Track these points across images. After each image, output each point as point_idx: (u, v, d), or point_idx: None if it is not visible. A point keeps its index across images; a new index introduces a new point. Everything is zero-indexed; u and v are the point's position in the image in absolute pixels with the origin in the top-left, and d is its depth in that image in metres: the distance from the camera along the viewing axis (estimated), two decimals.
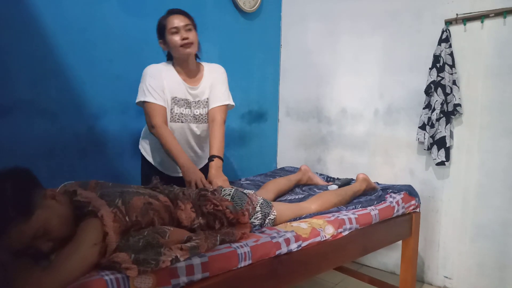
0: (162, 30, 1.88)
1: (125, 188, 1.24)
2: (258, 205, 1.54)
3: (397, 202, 1.91)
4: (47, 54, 1.96)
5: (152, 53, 2.37)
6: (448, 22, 2.28)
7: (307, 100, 3.08)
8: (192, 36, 1.85)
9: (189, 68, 1.93)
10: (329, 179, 2.41)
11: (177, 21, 1.84)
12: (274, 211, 1.56)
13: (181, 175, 1.82)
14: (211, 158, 1.86)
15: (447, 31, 2.26)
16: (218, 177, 1.77)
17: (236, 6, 2.82)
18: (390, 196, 1.96)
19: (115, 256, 0.99)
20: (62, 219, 1.06)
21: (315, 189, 2.11)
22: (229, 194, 1.53)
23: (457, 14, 2.24)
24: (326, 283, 2.48)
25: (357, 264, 2.81)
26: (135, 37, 2.29)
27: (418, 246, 2.12)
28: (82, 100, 2.11)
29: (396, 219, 1.92)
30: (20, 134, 1.89)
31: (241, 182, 2.27)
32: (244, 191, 1.62)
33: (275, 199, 1.93)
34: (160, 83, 1.86)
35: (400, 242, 2.07)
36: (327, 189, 2.04)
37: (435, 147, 2.30)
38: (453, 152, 2.34)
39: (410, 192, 2.04)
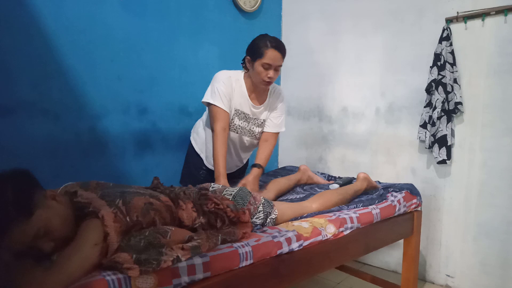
0: (256, 54, 1.88)
1: (125, 189, 1.24)
2: (260, 205, 1.54)
3: (398, 201, 1.91)
4: (49, 55, 1.97)
5: (153, 54, 2.38)
6: (449, 20, 2.27)
7: (308, 99, 3.08)
8: (276, 76, 1.92)
9: (256, 91, 2.02)
10: (330, 178, 2.41)
11: (275, 59, 1.87)
12: (276, 211, 1.57)
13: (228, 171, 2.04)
14: (255, 165, 2.00)
15: (448, 29, 2.26)
16: (252, 184, 1.90)
17: (237, 5, 2.82)
18: (392, 195, 1.96)
19: (116, 256, 0.99)
20: (63, 219, 1.06)
21: (316, 188, 2.12)
22: (231, 194, 1.54)
23: (457, 12, 2.24)
24: (328, 282, 2.48)
25: (359, 263, 2.81)
26: (136, 37, 2.30)
27: (420, 245, 2.12)
28: (84, 100, 2.11)
29: (398, 217, 1.92)
30: (23, 134, 1.90)
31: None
32: (249, 191, 1.62)
33: (275, 199, 1.94)
34: (229, 92, 1.95)
35: (402, 240, 2.07)
36: (328, 188, 2.04)
37: (436, 145, 2.30)
38: (455, 151, 2.33)
39: (411, 190, 2.04)
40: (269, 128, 2.10)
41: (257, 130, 2.11)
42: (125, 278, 0.97)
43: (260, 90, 2.03)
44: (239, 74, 2.03)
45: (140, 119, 2.36)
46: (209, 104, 1.96)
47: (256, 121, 2.09)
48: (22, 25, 1.87)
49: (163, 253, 1.04)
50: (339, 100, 2.90)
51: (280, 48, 1.89)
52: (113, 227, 1.04)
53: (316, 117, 3.04)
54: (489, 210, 2.23)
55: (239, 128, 2.05)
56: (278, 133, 2.13)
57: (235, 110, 2.01)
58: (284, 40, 3.21)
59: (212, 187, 1.60)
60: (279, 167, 3.07)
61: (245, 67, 2.00)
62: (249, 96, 2.02)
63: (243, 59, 2.00)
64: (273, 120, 2.10)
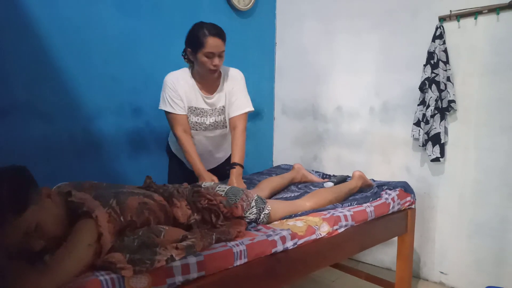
0: (196, 45, 1.85)
1: (119, 189, 1.24)
2: (253, 201, 1.54)
3: (392, 199, 1.92)
4: (43, 55, 1.96)
5: (147, 54, 2.38)
6: (442, 19, 2.28)
7: (303, 98, 3.08)
8: (221, 62, 1.90)
9: (205, 81, 2.00)
10: (325, 176, 2.42)
11: (216, 47, 1.85)
12: (269, 206, 1.57)
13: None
14: (232, 166, 1.96)
15: (441, 28, 2.27)
16: (237, 185, 1.87)
17: (230, 4, 2.82)
18: (386, 193, 1.97)
19: (110, 256, 0.99)
20: (55, 218, 1.07)
21: (311, 187, 2.12)
22: (223, 190, 1.54)
23: (450, 10, 2.25)
24: (323, 280, 2.49)
25: (354, 261, 2.82)
26: (130, 38, 2.29)
27: (414, 242, 2.13)
28: (78, 101, 2.10)
29: (392, 215, 1.93)
30: (16, 136, 1.89)
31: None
32: (241, 188, 1.63)
33: (269, 197, 1.94)
34: (178, 93, 1.95)
35: (396, 238, 2.08)
36: (322, 187, 2.05)
37: (429, 143, 2.31)
38: (449, 149, 2.34)
39: (405, 188, 2.05)
40: (233, 112, 2.04)
41: (219, 119, 2.06)
42: (119, 278, 0.97)
43: (209, 80, 2.00)
44: (186, 70, 2.01)
45: (134, 120, 2.35)
46: (165, 112, 1.99)
47: (215, 111, 2.05)
48: (16, 26, 1.86)
49: (157, 253, 1.04)
50: (333, 99, 2.90)
51: (219, 34, 1.87)
52: (107, 227, 1.04)
53: (311, 116, 3.05)
54: (483, 208, 2.24)
55: (197, 125, 2.03)
56: (245, 114, 2.05)
57: (189, 108, 1.99)
58: (278, 39, 3.22)
59: (204, 185, 1.60)
60: (274, 166, 3.07)
61: (188, 61, 1.99)
62: (200, 89, 2.00)
63: (184, 52, 1.97)
64: (235, 102, 2.03)
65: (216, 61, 1.87)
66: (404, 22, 2.49)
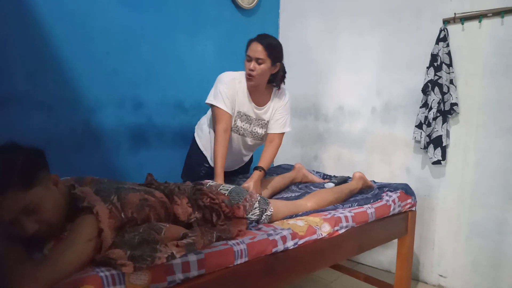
0: (246, 48, 1.95)
1: (120, 185, 1.24)
2: (256, 202, 1.54)
3: (393, 201, 1.92)
4: (44, 46, 1.94)
5: (150, 49, 2.36)
6: (446, 21, 2.28)
7: (304, 97, 3.08)
8: (259, 69, 1.91)
9: (258, 91, 2.02)
10: (326, 177, 2.41)
11: (253, 51, 1.89)
12: (271, 208, 1.56)
13: (227, 170, 2.07)
14: (256, 168, 2.00)
15: (445, 30, 2.26)
16: (254, 188, 1.88)
17: (234, 2, 2.81)
18: (387, 195, 1.97)
19: (110, 253, 0.98)
20: (55, 206, 1.07)
21: (312, 187, 2.12)
22: (227, 190, 1.53)
23: (455, 13, 2.24)
24: (322, 280, 2.49)
25: (353, 262, 2.81)
26: (133, 31, 2.28)
27: (414, 245, 2.13)
28: (79, 93, 2.09)
29: (392, 217, 1.92)
30: (16, 126, 1.87)
31: (238, 179, 2.27)
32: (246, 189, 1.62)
33: (270, 197, 1.94)
34: (232, 93, 1.95)
35: (395, 240, 2.08)
36: (323, 187, 2.04)
37: (431, 146, 2.30)
38: (449, 151, 2.34)
39: (406, 190, 2.04)
40: (273, 129, 2.09)
41: (260, 131, 2.10)
42: (119, 275, 0.96)
43: (261, 90, 2.02)
44: (243, 75, 2.01)
45: (135, 114, 2.34)
46: (212, 106, 1.98)
47: (259, 122, 2.08)
48: (18, 16, 1.85)
49: (157, 250, 1.03)
50: (335, 98, 2.89)
51: (261, 41, 1.89)
52: (107, 223, 1.03)
53: (312, 115, 3.04)
54: (482, 210, 2.24)
55: (241, 129, 2.06)
56: (283, 133, 2.11)
57: (238, 112, 2.01)
58: (281, 37, 3.20)
59: (209, 184, 1.59)
60: (275, 165, 3.06)
61: None
62: (251, 97, 2.01)
63: None
64: (277, 121, 2.09)
65: (252, 65, 1.89)
66: (406, 22, 2.48)
